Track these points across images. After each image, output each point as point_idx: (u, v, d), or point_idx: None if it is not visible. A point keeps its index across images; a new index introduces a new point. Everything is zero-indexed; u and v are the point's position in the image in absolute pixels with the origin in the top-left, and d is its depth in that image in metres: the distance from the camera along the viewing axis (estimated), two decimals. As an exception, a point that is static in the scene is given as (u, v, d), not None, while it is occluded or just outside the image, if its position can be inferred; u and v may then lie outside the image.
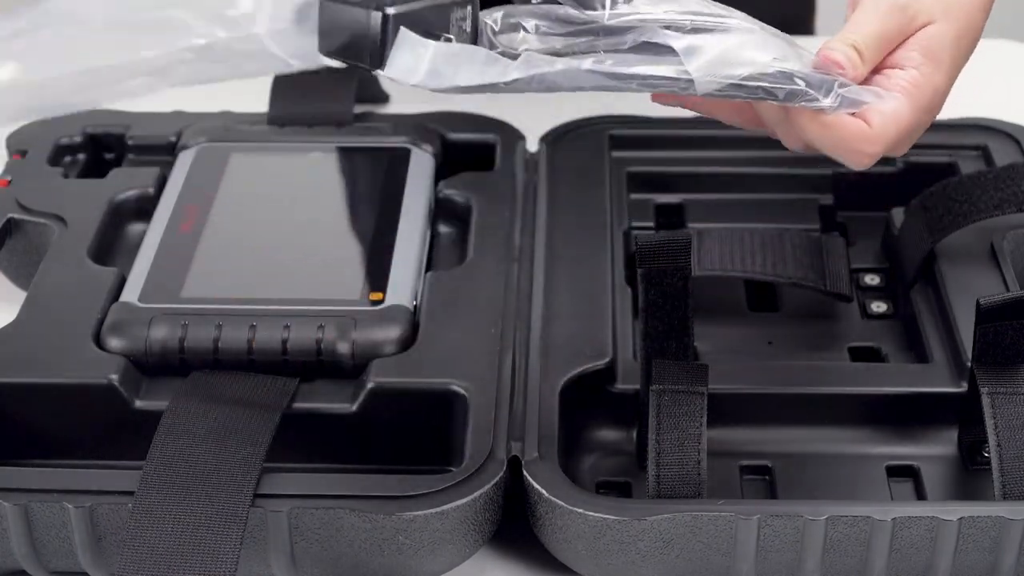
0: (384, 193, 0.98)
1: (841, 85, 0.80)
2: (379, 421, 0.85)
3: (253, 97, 1.11)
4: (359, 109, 1.09)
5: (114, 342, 0.86)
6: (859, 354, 0.93)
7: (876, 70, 0.83)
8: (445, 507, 0.78)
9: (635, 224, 1.01)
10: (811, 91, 0.79)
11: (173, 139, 1.05)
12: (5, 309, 0.93)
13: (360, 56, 0.74)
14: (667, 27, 0.78)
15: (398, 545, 0.78)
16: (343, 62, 0.75)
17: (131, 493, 0.77)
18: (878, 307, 0.96)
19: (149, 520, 0.76)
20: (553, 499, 0.78)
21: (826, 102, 0.80)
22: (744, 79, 0.78)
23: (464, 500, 0.78)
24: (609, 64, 0.77)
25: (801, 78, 0.79)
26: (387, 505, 0.77)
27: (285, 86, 1.07)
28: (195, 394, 0.83)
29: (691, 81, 0.77)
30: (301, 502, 0.77)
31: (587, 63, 0.76)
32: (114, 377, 0.84)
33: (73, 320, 0.88)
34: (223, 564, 0.75)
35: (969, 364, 0.85)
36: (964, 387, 0.86)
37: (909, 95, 0.82)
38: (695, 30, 0.79)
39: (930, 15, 0.83)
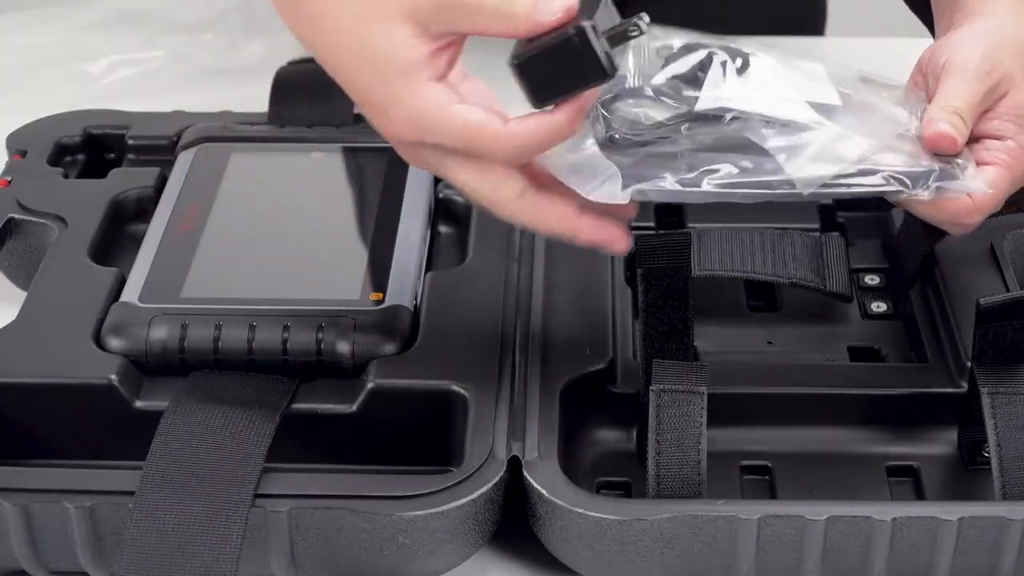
0: (384, 193, 0.98)
1: (937, 178, 0.82)
2: (379, 421, 0.85)
3: (253, 97, 1.11)
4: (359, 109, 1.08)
5: (114, 342, 0.86)
6: (859, 354, 0.93)
7: (972, 139, 0.85)
8: (445, 507, 0.78)
9: (635, 224, 1.01)
10: (907, 189, 0.81)
11: (173, 139, 1.05)
12: (5, 309, 0.93)
13: (585, 80, 0.75)
14: (763, 119, 0.82)
15: (398, 545, 0.78)
16: (571, 96, 0.76)
17: (131, 493, 0.77)
18: (878, 307, 0.96)
19: (149, 520, 0.76)
20: (553, 499, 0.78)
21: (924, 195, 0.82)
22: (841, 178, 0.80)
23: (464, 500, 0.78)
24: (723, 180, 0.80)
25: (897, 177, 0.81)
26: (387, 505, 0.77)
27: (285, 86, 1.07)
28: (195, 394, 0.83)
29: (791, 183, 0.80)
30: (301, 502, 0.77)
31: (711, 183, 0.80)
32: (114, 377, 0.84)
33: (73, 320, 0.88)
34: (223, 564, 0.75)
35: (969, 364, 0.85)
36: (964, 387, 0.86)
37: (1009, 167, 0.84)
38: (786, 125, 0.81)
39: (1012, 79, 0.86)
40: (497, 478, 0.79)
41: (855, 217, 1.02)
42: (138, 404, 0.85)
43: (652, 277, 0.83)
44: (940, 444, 0.87)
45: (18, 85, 1.24)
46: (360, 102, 0.79)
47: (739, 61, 0.84)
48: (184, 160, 1.01)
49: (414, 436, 0.85)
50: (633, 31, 0.76)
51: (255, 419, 0.81)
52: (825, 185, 0.80)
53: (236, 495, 0.77)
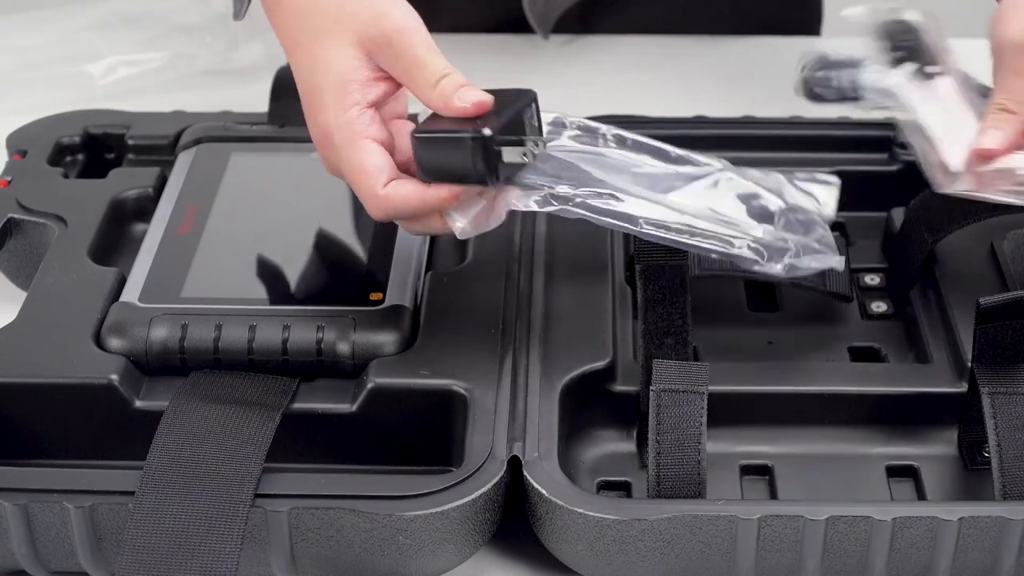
0: (384, 193, 0.98)
1: (793, 255, 0.83)
2: (379, 421, 0.85)
3: (253, 97, 1.11)
4: (359, 109, 1.08)
5: (114, 342, 0.86)
6: (859, 354, 0.93)
7: None
8: (445, 507, 0.78)
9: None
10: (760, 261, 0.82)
11: (173, 139, 1.05)
12: (5, 309, 0.93)
13: (469, 178, 0.81)
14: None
15: (398, 545, 0.78)
16: (451, 183, 0.82)
17: (131, 493, 0.77)
18: (878, 307, 0.96)
19: (149, 520, 0.76)
20: (553, 499, 0.78)
21: (775, 268, 0.83)
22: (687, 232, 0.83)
23: (464, 500, 0.78)
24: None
25: (754, 247, 0.83)
26: (387, 505, 0.77)
27: (285, 86, 1.07)
28: (195, 394, 0.83)
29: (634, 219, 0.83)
30: (301, 502, 0.77)
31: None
32: (114, 377, 0.84)
33: (73, 320, 0.88)
34: (223, 564, 0.75)
35: (969, 364, 0.85)
36: (964, 387, 0.86)
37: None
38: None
39: None
40: (497, 478, 0.79)
41: (855, 217, 1.02)
42: (138, 404, 0.85)
43: (650, 273, 0.83)
44: (940, 444, 0.87)
45: (18, 85, 1.24)
46: (302, 102, 0.85)
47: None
48: (184, 160, 1.01)
49: (414, 436, 0.85)
50: (526, 155, 0.81)
51: (255, 419, 0.81)
52: (667, 228, 0.83)
53: (236, 495, 0.77)
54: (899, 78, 0.92)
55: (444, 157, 0.81)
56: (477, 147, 0.79)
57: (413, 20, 0.82)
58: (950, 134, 0.90)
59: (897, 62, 0.93)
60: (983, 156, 0.87)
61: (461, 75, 0.82)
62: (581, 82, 1.19)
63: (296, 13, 0.85)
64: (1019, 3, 0.90)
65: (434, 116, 0.82)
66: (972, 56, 1.22)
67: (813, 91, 0.93)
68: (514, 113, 0.81)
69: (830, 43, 1.33)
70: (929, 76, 0.93)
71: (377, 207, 0.82)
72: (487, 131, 0.79)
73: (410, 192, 0.81)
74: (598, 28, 1.29)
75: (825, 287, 0.94)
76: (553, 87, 1.20)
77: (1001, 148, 0.87)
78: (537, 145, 0.81)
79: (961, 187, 0.88)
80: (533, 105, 0.82)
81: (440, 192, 0.81)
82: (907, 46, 0.94)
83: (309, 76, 0.84)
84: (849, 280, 0.95)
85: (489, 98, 0.81)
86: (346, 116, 0.82)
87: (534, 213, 0.97)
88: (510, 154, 0.80)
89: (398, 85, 0.84)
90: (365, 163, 0.82)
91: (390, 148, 0.83)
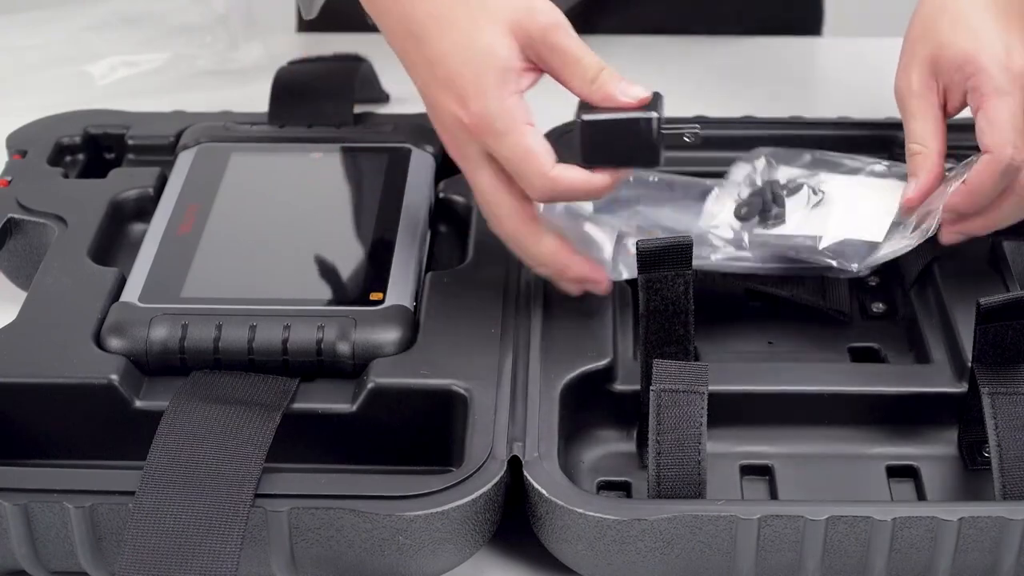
0: (384, 193, 0.98)
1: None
2: (379, 421, 0.85)
3: (253, 97, 1.11)
4: (359, 109, 1.09)
5: (114, 342, 0.86)
6: (859, 354, 0.93)
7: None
8: (445, 507, 0.78)
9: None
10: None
11: (173, 139, 1.05)
12: (5, 309, 0.93)
13: (637, 160, 0.86)
14: None
15: (398, 545, 0.78)
16: (617, 167, 0.86)
17: (131, 493, 0.77)
18: (878, 307, 0.96)
19: (149, 520, 0.76)
20: (553, 499, 0.78)
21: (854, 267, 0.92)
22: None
23: (464, 500, 0.78)
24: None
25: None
26: (387, 505, 0.77)
27: (285, 86, 1.07)
28: (195, 394, 0.83)
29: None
30: (301, 502, 0.77)
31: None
32: (114, 377, 0.84)
33: (73, 320, 0.88)
34: (223, 564, 0.75)
35: (969, 364, 0.85)
36: (964, 387, 0.86)
37: (994, 90, 0.88)
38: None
39: (952, 42, 0.90)
40: (497, 478, 0.79)
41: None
42: (138, 404, 0.85)
43: (653, 284, 0.83)
44: (940, 444, 0.87)
45: (18, 85, 1.24)
46: (433, 81, 0.86)
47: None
48: (184, 160, 1.01)
49: (414, 436, 0.85)
50: (688, 138, 0.86)
51: (255, 419, 0.81)
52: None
53: (236, 495, 0.77)
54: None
55: (614, 139, 0.85)
56: (649, 128, 0.84)
57: (560, 15, 0.85)
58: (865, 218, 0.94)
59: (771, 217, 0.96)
60: (911, 204, 0.91)
61: (612, 69, 0.85)
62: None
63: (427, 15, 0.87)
64: (916, 53, 0.92)
65: (584, 105, 0.86)
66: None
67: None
68: (657, 106, 0.85)
69: (832, 43, 1.34)
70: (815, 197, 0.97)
71: (545, 187, 0.84)
72: (655, 114, 0.84)
73: (576, 175, 0.84)
74: (599, 28, 1.29)
75: (824, 303, 0.94)
76: (554, 87, 1.20)
77: (922, 194, 0.90)
78: (694, 131, 0.85)
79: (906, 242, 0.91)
80: (662, 101, 0.86)
81: (604, 177, 0.85)
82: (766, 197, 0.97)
83: (454, 60, 0.85)
84: (849, 297, 0.95)
85: (648, 93, 0.85)
86: (509, 102, 0.84)
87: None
88: (671, 139, 0.85)
89: (540, 75, 0.86)
90: (533, 146, 0.84)
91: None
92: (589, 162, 0.85)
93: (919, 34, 0.93)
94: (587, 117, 0.85)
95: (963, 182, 0.89)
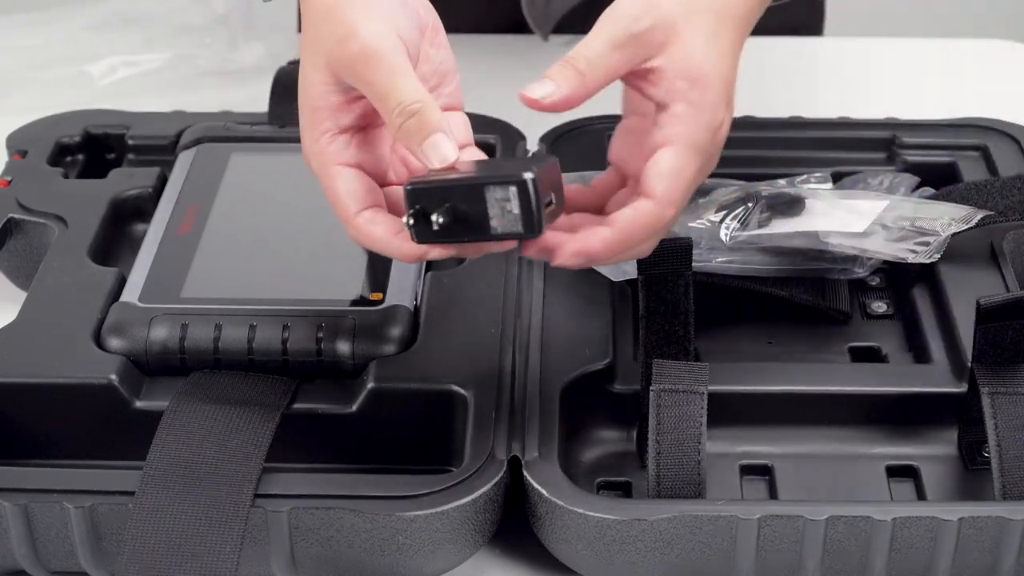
0: (384, 193, 0.98)
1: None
2: (379, 421, 0.85)
3: (253, 97, 1.11)
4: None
5: (114, 342, 0.86)
6: (859, 354, 0.93)
7: (639, 111, 0.80)
8: (445, 507, 0.78)
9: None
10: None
11: (173, 139, 1.05)
12: (5, 309, 0.93)
13: (516, 230, 0.74)
14: None
15: (398, 545, 0.78)
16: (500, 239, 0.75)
17: (131, 493, 0.77)
18: (878, 307, 0.96)
19: (149, 520, 0.76)
20: (553, 499, 0.78)
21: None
22: None
23: (464, 500, 0.78)
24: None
25: None
26: (387, 505, 0.77)
27: (285, 86, 1.07)
28: (195, 394, 0.83)
29: None
30: (301, 502, 0.77)
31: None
32: (114, 377, 0.84)
33: (73, 320, 0.88)
34: (223, 564, 0.75)
35: (969, 364, 0.85)
36: (964, 387, 0.86)
37: (688, 136, 0.76)
38: None
39: (671, 25, 0.76)
40: (497, 478, 0.79)
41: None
42: (138, 404, 0.85)
43: (653, 283, 0.83)
44: (940, 444, 0.87)
45: (18, 85, 1.24)
46: None
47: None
48: (184, 160, 1.01)
49: (414, 436, 0.85)
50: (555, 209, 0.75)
51: (255, 419, 0.81)
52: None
53: (236, 495, 0.77)
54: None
55: (457, 212, 0.73)
56: (482, 196, 0.72)
57: (380, 38, 0.76)
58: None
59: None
60: (531, 105, 0.76)
61: (434, 109, 0.74)
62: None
63: (303, 8, 0.81)
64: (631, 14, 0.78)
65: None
66: (974, 56, 1.22)
67: None
68: (509, 169, 0.74)
69: (833, 43, 1.34)
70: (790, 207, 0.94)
71: (350, 234, 0.78)
72: (528, 174, 0.72)
73: (379, 233, 0.77)
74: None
75: (824, 303, 0.94)
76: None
77: (545, 103, 0.75)
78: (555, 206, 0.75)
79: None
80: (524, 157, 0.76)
81: (412, 248, 0.76)
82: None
83: (299, 85, 0.80)
84: (849, 297, 0.95)
85: (455, 156, 0.74)
86: (318, 144, 0.78)
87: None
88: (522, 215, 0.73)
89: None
90: (336, 189, 0.78)
91: (376, 168, 0.79)
92: (419, 241, 0.74)
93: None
94: (413, 182, 0.73)
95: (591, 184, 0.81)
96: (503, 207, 0.72)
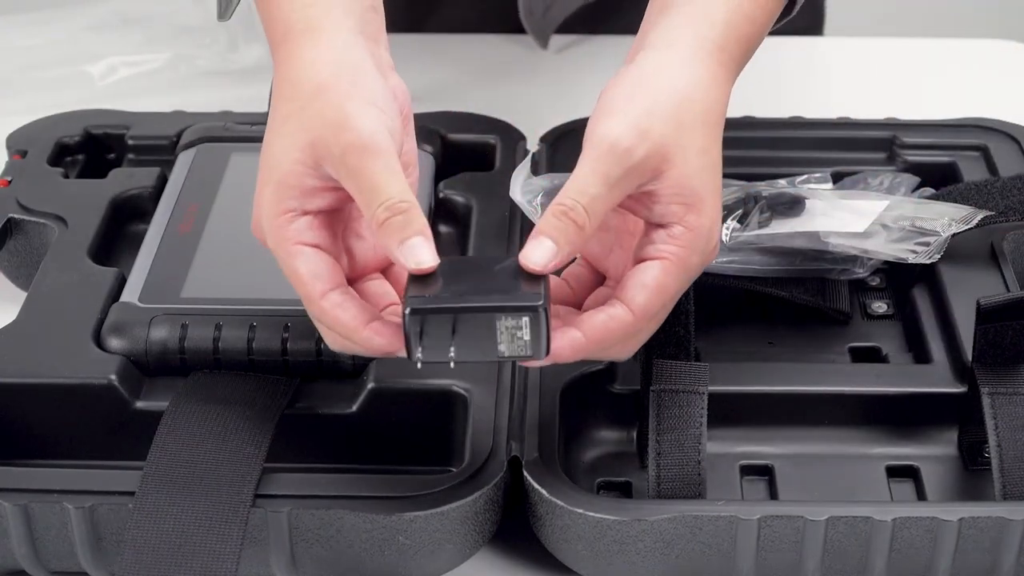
0: (384, 193, 0.97)
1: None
2: (379, 421, 0.84)
3: (253, 97, 1.11)
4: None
5: (114, 342, 0.86)
6: (859, 354, 0.93)
7: (626, 233, 0.78)
8: (445, 507, 0.78)
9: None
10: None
11: (173, 139, 1.05)
12: (5, 309, 0.93)
13: (525, 353, 0.73)
14: None
15: (398, 545, 0.78)
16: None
17: (131, 493, 0.77)
18: (878, 307, 0.96)
19: (149, 520, 0.76)
20: (553, 499, 0.78)
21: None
22: None
23: (464, 500, 0.78)
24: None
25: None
26: (387, 505, 0.77)
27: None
28: (195, 394, 0.83)
29: None
30: (301, 502, 0.77)
31: None
32: (114, 377, 0.84)
33: (73, 320, 0.88)
34: (223, 564, 0.75)
35: (969, 364, 0.85)
36: (964, 387, 0.86)
37: (679, 259, 0.75)
38: None
39: (665, 152, 0.74)
40: (497, 478, 0.79)
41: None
42: (138, 404, 0.85)
43: None
44: (940, 444, 0.87)
45: (18, 85, 1.24)
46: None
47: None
48: (184, 160, 1.01)
49: (414, 436, 0.85)
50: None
51: (255, 419, 0.81)
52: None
53: (236, 495, 0.77)
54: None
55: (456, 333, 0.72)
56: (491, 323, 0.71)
57: (376, 134, 0.74)
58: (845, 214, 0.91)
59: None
60: (536, 272, 0.73)
61: (420, 214, 0.73)
62: (582, 83, 1.18)
63: (283, 76, 0.78)
64: (633, 82, 0.77)
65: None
66: (974, 56, 1.22)
67: None
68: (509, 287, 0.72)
69: (834, 43, 1.34)
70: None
71: (313, 313, 0.76)
72: (538, 302, 0.71)
73: (346, 317, 0.74)
74: (604, 29, 1.29)
75: (825, 303, 0.94)
76: (554, 88, 1.20)
77: (549, 267, 0.73)
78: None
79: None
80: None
81: (381, 341, 0.73)
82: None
83: (264, 155, 0.77)
84: (849, 297, 0.95)
85: (433, 263, 0.72)
86: (277, 221, 0.75)
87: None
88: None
89: (346, 196, 0.76)
90: (297, 268, 0.75)
91: (331, 249, 0.76)
92: (426, 362, 0.72)
93: (644, 110, 0.75)
94: (414, 305, 0.71)
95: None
96: (513, 334, 0.72)
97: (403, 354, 0.73)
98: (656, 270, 0.75)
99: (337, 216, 0.78)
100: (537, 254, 0.73)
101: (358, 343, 0.74)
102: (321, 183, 0.75)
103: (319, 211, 0.76)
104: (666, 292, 0.75)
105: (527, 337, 0.72)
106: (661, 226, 0.75)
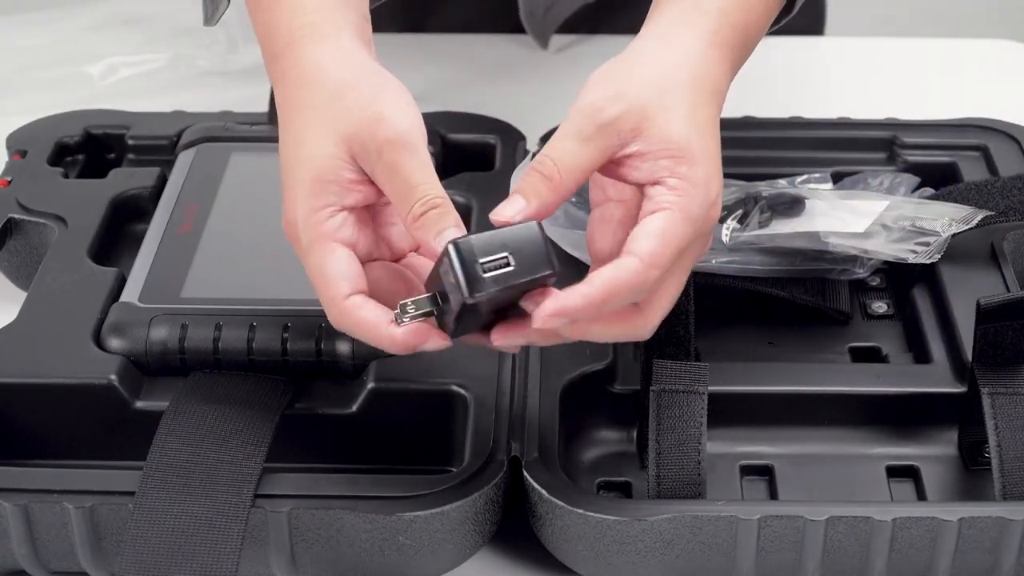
0: (384, 193, 0.98)
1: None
2: (379, 422, 0.85)
3: (253, 97, 1.11)
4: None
5: (114, 342, 0.86)
6: (859, 354, 0.93)
7: (616, 195, 0.77)
8: (445, 507, 0.78)
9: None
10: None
11: (173, 139, 1.05)
12: (5, 309, 0.93)
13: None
14: None
15: (398, 545, 0.78)
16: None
17: (131, 493, 0.77)
18: (878, 307, 0.96)
19: (149, 520, 0.76)
20: (553, 499, 0.78)
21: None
22: None
23: (464, 500, 0.78)
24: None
25: None
26: (387, 505, 0.77)
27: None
28: (195, 394, 0.83)
29: None
30: (301, 502, 0.77)
31: None
32: (114, 377, 0.84)
33: (73, 320, 0.88)
34: (223, 564, 0.75)
35: (969, 364, 0.85)
36: (964, 387, 0.86)
37: (682, 208, 0.74)
38: None
39: (643, 111, 0.74)
40: (497, 478, 0.79)
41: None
42: (138, 404, 0.85)
43: None
44: (940, 444, 0.87)
45: (18, 85, 1.24)
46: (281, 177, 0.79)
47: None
48: (184, 160, 1.01)
49: (414, 437, 0.85)
50: None
51: (255, 419, 0.81)
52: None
53: (236, 496, 0.77)
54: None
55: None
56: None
57: (412, 129, 0.75)
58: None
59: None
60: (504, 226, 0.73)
61: (450, 208, 0.74)
62: (578, 83, 1.19)
63: (294, 81, 0.78)
64: (595, 78, 0.77)
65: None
66: (974, 56, 1.22)
67: None
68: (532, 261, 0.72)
69: (834, 43, 1.34)
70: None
71: (334, 316, 0.76)
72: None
73: (369, 316, 0.75)
74: (607, 29, 1.29)
75: (825, 303, 0.94)
76: (554, 88, 1.20)
77: (516, 219, 0.73)
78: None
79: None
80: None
81: (406, 335, 0.74)
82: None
83: (291, 157, 0.77)
84: (849, 297, 0.95)
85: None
86: (318, 216, 0.76)
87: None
88: None
89: (380, 193, 0.77)
90: (330, 269, 0.75)
91: (366, 251, 0.78)
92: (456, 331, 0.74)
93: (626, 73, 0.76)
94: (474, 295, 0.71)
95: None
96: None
97: (431, 344, 0.74)
98: (658, 218, 0.74)
99: (369, 211, 0.78)
100: (505, 208, 0.74)
101: (384, 342, 0.75)
102: (357, 177, 0.76)
103: (354, 207, 0.77)
104: (671, 240, 0.74)
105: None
106: (656, 183, 0.75)
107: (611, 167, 0.76)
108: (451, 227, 0.74)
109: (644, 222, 0.74)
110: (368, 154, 0.75)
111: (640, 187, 0.75)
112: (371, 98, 0.76)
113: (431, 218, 0.74)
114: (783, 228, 0.93)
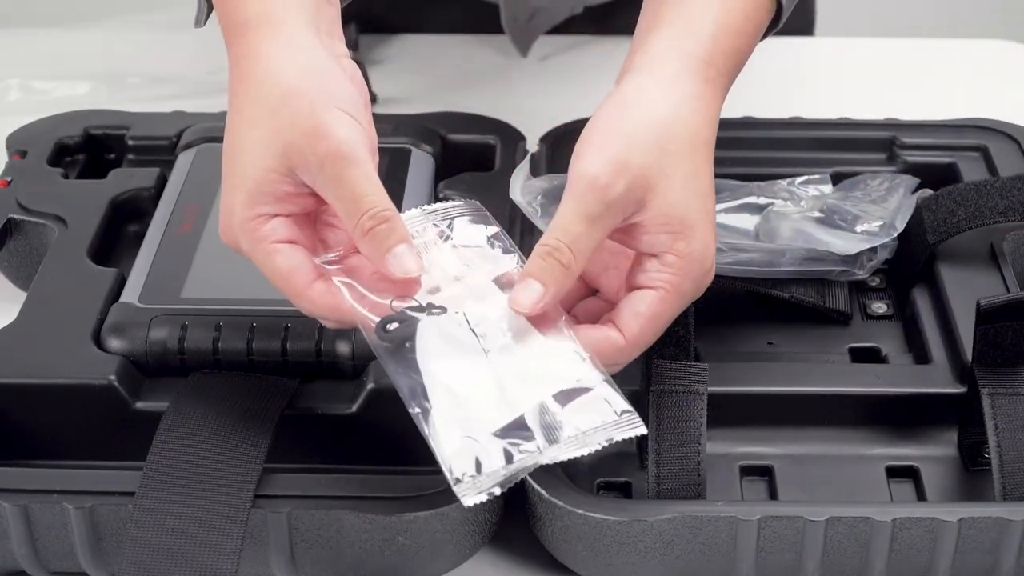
0: (384, 193, 0.98)
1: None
2: (379, 422, 0.84)
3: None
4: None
5: (114, 342, 0.86)
6: (859, 354, 0.93)
7: (630, 265, 0.78)
8: (445, 508, 0.78)
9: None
10: None
11: (173, 139, 1.05)
12: (5, 309, 0.93)
13: None
14: None
15: (398, 546, 0.78)
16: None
17: (131, 493, 0.77)
18: (878, 307, 0.96)
19: (149, 520, 0.76)
20: (553, 499, 0.78)
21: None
22: None
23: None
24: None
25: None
26: (387, 506, 0.77)
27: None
28: (195, 394, 0.83)
29: None
30: (301, 503, 0.77)
31: None
32: (114, 377, 0.84)
33: (73, 320, 0.88)
34: (223, 564, 0.75)
35: (969, 364, 0.85)
36: (964, 388, 0.86)
37: (674, 286, 0.76)
38: None
39: (647, 181, 0.75)
40: (497, 478, 0.79)
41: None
42: (138, 404, 0.85)
43: None
44: (940, 444, 0.87)
45: (18, 86, 1.24)
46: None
47: None
48: (184, 160, 1.01)
49: (414, 437, 0.85)
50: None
51: (255, 420, 0.81)
52: None
53: (236, 496, 0.77)
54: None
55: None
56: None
57: (352, 142, 0.75)
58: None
59: None
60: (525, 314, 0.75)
61: (398, 221, 0.74)
62: (582, 84, 1.19)
63: (246, 72, 0.78)
64: (613, 113, 0.78)
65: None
66: (974, 56, 1.22)
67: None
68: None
69: (824, 43, 1.34)
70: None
71: (304, 308, 0.76)
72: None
73: (330, 301, 0.75)
74: (609, 29, 1.29)
75: (825, 304, 0.94)
76: (555, 89, 1.20)
77: (537, 308, 0.74)
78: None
79: None
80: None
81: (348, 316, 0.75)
82: None
83: (232, 156, 0.78)
84: (849, 298, 0.95)
85: (419, 272, 0.75)
86: (250, 225, 0.76)
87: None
88: None
89: (320, 201, 0.77)
90: (279, 267, 0.75)
91: (309, 243, 0.77)
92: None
93: (626, 141, 0.76)
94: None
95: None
96: None
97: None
98: (650, 299, 0.76)
99: (310, 216, 0.79)
100: (524, 297, 0.75)
101: (357, 319, 0.76)
102: (296, 190, 0.76)
103: (291, 214, 0.77)
104: (659, 321, 0.76)
105: None
106: (652, 255, 0.76)
107: (613, 233, 0.77)
108: (400, 243, 0.74)
109: (636, 299, 0.76)
110: (309, 166, 0.75)
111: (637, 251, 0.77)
112: (313, 108, 0.75)
113: (380, 233, 0.74)
114: (783, 229, 0.93)
